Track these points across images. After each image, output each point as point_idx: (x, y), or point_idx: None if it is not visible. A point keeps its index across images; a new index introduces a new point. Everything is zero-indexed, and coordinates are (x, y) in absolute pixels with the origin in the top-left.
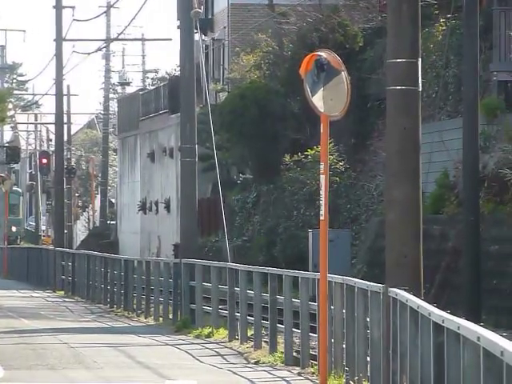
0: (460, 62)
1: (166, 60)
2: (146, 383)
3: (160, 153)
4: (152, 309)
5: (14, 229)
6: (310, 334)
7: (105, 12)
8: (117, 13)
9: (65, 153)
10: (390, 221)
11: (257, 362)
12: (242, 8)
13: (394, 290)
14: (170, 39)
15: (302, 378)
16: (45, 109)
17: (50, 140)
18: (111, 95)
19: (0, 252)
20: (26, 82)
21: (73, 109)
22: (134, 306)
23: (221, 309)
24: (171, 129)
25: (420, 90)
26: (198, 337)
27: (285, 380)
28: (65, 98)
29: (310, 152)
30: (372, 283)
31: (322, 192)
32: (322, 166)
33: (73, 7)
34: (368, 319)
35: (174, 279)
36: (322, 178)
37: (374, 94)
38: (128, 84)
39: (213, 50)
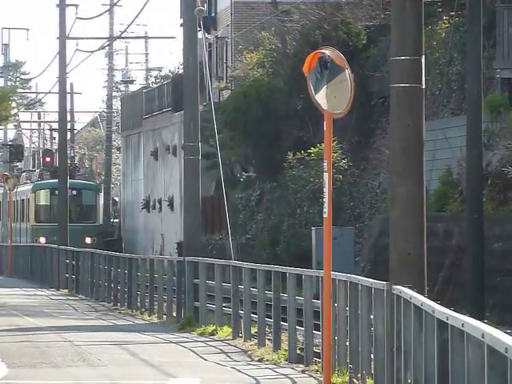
0: (463, 60)
1: (170, 58)
2: (150, 381)
3: (163, 151)
4: (156, 307)
5: (88, 240)
6: (314, 331)
7: (108, 10)
8: (120, 11)
9: (68, 151)
10: (393, 218)
11: (260, 360)
12: (245, 6)
13: (398, 287)
14: (174, 37)
15: (305, 375)
16: (48, 107)
17: (54, 138)
18: (114, 93)
19: (4, 250)
20: (30, 80)
21: (76, 107)
22: (138, 304)
23: (224, 307)
24: (174, 127)
25: (424, 87)
26: (201, 334)
27: (288, 377)
28: (68, 96)
29: (313, 150)
30: (376, 281)
31: (326, 190)
32: (325, 164)
33: (76, 5)
34: (372, 317)
35: (178, 277)
36: (325, 175)
37: (378, 91)
38: (131, 82)
39: (216, 48)
